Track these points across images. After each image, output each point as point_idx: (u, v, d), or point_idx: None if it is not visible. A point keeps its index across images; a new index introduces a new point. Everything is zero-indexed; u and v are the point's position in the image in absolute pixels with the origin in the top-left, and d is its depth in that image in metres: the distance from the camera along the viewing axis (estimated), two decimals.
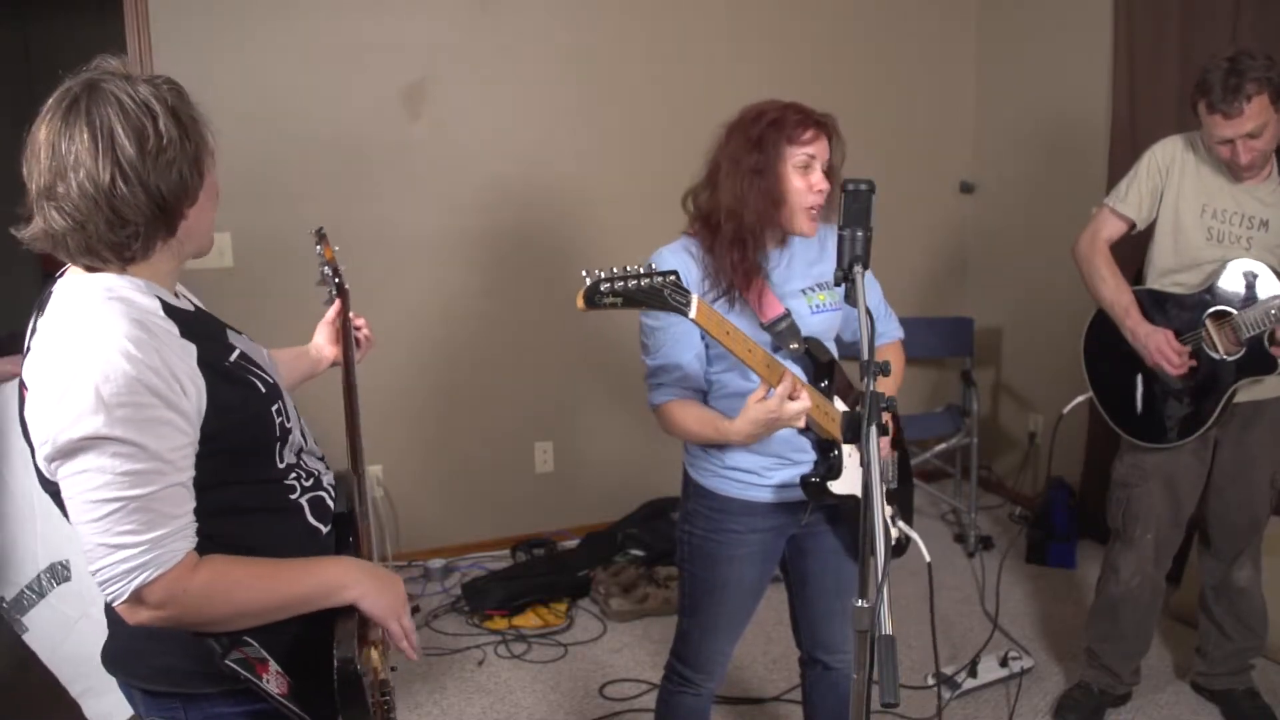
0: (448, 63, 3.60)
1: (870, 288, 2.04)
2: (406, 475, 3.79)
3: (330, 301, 1.88)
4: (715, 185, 1.88)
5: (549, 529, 3.99)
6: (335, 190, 3.53)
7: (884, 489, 2.02)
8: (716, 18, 3.91)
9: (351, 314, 1.86)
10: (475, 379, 3.85)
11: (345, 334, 1.82)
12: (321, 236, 1.96)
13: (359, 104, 3.52)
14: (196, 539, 1.21)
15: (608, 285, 1.55)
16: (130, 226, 1.19)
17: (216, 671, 1.26)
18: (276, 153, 3.46)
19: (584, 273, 1.54)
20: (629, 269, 1.55)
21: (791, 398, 1.70)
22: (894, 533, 2.04)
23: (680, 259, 1.89)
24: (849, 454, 1.89)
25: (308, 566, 1.32)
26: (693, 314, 1.61)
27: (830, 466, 1.89)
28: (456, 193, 3.67)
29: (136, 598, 1.16)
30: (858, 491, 1.88)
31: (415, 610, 3.63)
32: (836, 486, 1.88)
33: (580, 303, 1.53)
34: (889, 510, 2.03)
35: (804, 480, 1.89)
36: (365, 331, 1.89)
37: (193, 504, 1.20)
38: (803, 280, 1.95)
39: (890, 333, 2.14)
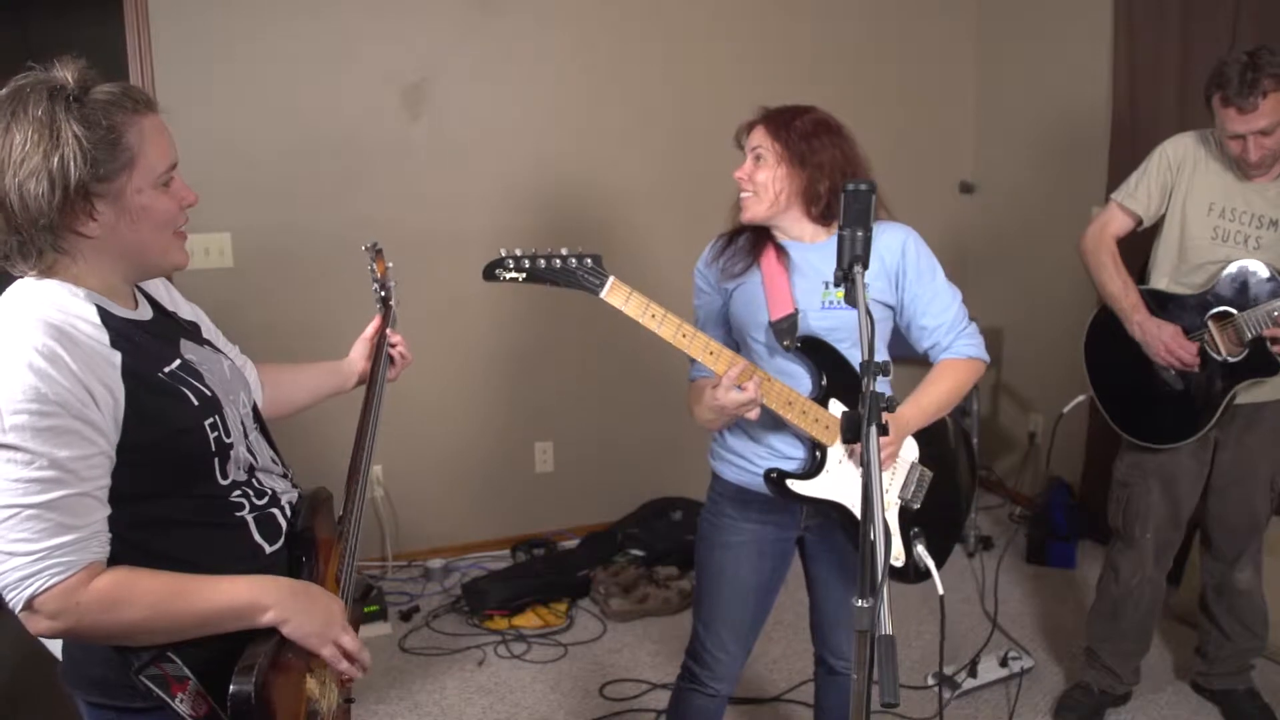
0: (448, 63, 3.60)
1: (934, 300, 2.01)
2: (406, 475, 3.79)
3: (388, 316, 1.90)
4: None
5: (549, 529, 3.99)
6: (335, 190, 3.53)
7: (897, 501, 2.00)
8: (716, 17, 3.91)
9: (389, 331, 1.86)
10: (475, 379, 3.85)
11: (378, 351, 1.81)
12: (377, 252, 1.95)
13: (359, 104, 3.52)
14: (106, 550, 1.19)
15: (513, 261, 1.66)
16: None
17: (139, 685, 1.24)
18: (276, 153, 3.46)
19: (502, 250, 1.64)
20: (551, 250, 1.65)
21: (742, 388, 1.73)
22: (897, 553, 1.96)
23: (718, 243, 2.05)
24: (839, 460, 1.89)
25: (222, 584, 1.26)
26: (604, 294, 1.72)
27: (810, 467, 1.90)
28: (455, 193, 3.67)
29: (30, 607, 1.14)
30: (839, 498, 1.90)
31: (414, 610, 3.64)
32: (807, 488, 1.88)
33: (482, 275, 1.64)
34: (907, 530, 1.99)
35: (766, 474, 1.89)
36: (401, 349, 1.88)
37: (102, 514, 1.18)
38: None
39: (956, 348, 2.04)
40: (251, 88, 3.40)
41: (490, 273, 1.70)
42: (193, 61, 3.30)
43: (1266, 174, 2.38)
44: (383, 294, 1.93)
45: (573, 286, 1.69)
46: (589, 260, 1.71)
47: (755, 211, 1.94)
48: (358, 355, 1.84)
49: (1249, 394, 2.47)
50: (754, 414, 1.77)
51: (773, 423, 1.92)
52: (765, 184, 1.91)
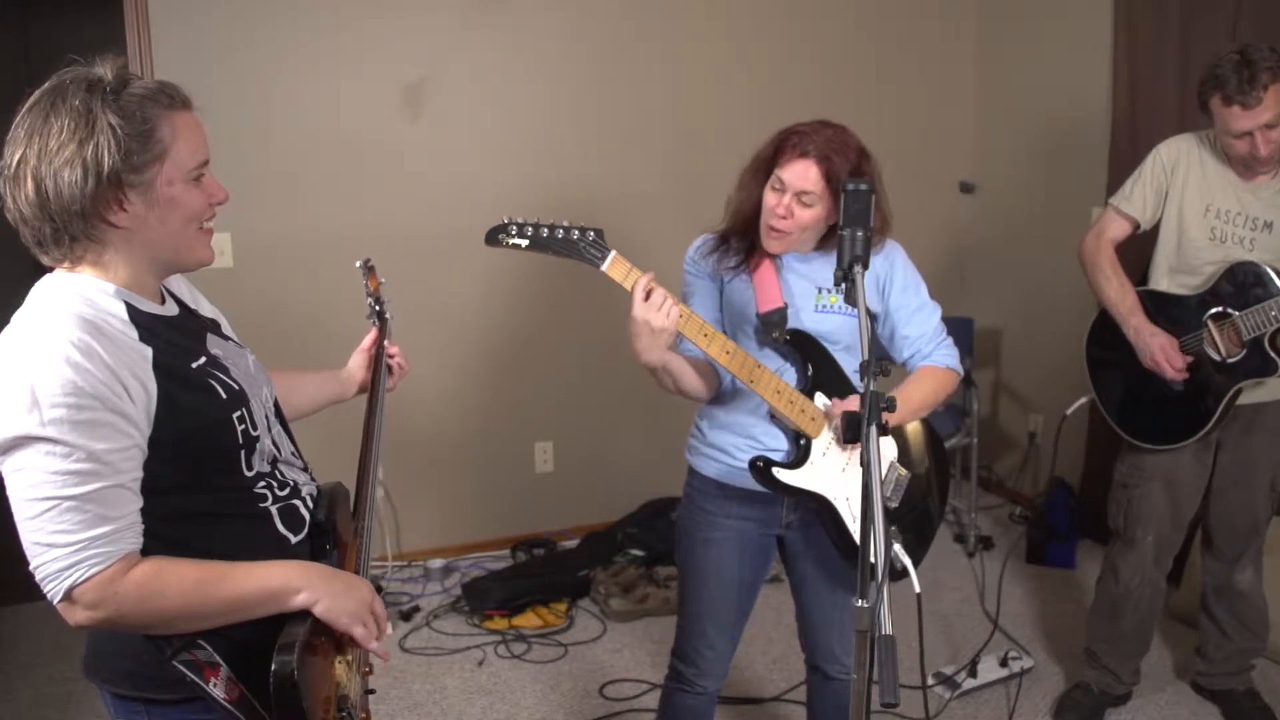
0: (448, 63, 3.60)
1: (918, 313, 2.00)
2: (406, 475, 3.79)
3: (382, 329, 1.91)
4: (739, 181, 2.00)
5: (549, 529, 3.99)
6: (335, 190, 3.53)
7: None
8: (717, 18, 3.91)
9: (386, 342, 1.88)
10: (475, 379, 3.85)
11: (377, 362, 1.84)
12: (369, 269, 1.97)
13: (359, 104, 3.52)
14: (140, 540, 1.20)
15: (516, 228, 1.68)
16: (30, 224, 1.22)
17: (169, 675, 1.25)
18: (276, 153, 3.46)
19: (505, 216, 1.66)
20: (554, 220, 1.67)
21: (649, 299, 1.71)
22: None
23: (710, 240, 2.03)
24: (822, 452, 1.91)
25: (254, 569, 1.29)
26: (605, 266, 1.74)
27: (795, 458, 1.91)
28: (456, 193, 3.67)
29: (69, 597, 1.16)
30: (822, 490, 1.91)
31: (415, 610, 3.65)
32: (792, 477, 1.89)
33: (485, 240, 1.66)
34: (885, 529, 2.01)
35: (751, 462, 1.89)
36: (399, 360, 1.91)
37: (136, 505, 1.21)
38: (829, 279, 1.93)
39: (936, 358, 2.01)
40: (251, 88, 3.40)
41: (493, 237, 1.70)
42: (193, 62, 3.30)
43: (1271, 172, 2.38)
44: (377, 309, 1.95)
45: (574, 257, 1.69)
46: (591, 234, 1.72)
47: (786, 246, 1.90)
48: (356, 365, 1.87)
49: (1250, 395, 2.47)
50: (672, 328, 1.73)
51: (752, 413, 1.95)
52: (807, 224, 1.85)
